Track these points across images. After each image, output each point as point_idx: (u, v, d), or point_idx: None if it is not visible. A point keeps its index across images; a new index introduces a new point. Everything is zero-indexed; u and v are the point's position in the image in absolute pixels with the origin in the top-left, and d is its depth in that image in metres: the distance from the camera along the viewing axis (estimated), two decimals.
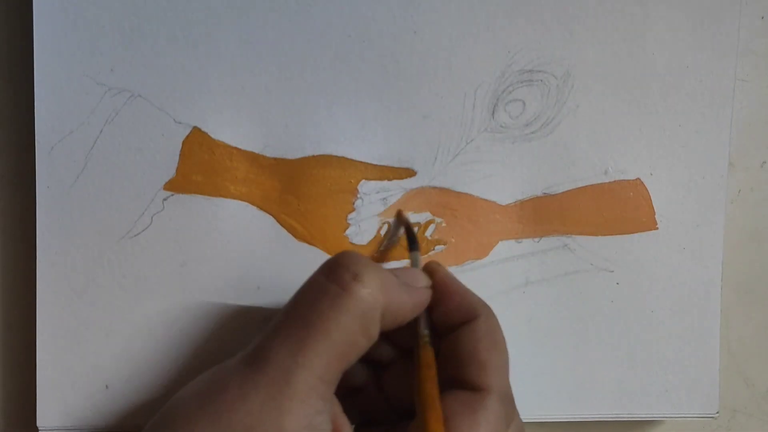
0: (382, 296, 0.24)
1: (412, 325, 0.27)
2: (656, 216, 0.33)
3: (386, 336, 0.28)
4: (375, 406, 0.29)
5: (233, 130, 0.31)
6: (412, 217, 0.32)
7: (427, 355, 0.26)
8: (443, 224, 0.32)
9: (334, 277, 0.24)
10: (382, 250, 0.32)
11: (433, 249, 0.32)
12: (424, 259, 0.32)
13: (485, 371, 0.25)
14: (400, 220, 0.32)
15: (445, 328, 0.27)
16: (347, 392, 0.28)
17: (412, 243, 0.30)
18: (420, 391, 0.24)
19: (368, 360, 0.29)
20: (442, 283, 0.27)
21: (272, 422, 0.22)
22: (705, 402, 0.34)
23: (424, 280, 0.27)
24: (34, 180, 0.30)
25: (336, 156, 0.32)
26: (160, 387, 0.31)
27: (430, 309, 0.27)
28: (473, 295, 0.27)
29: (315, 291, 0.24)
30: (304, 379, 0.22)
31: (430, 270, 0.28)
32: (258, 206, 0.31)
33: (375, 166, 0.32)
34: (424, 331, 0.26)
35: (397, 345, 0.29)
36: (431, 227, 0.32)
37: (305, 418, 0.22)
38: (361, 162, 0.32)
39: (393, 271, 0.26)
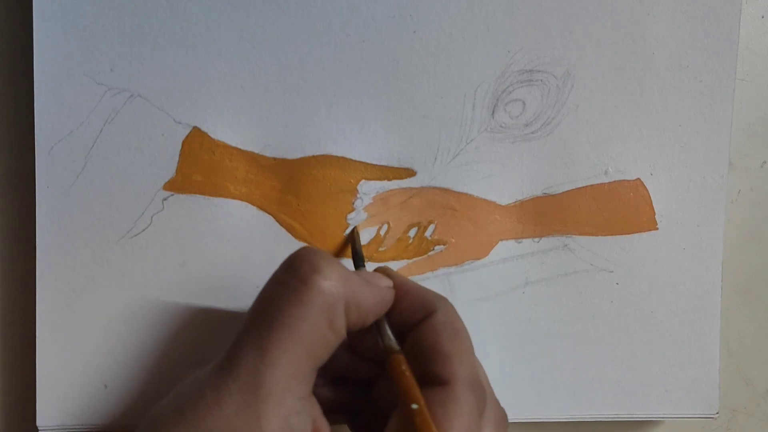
0: (344, 287, 0.24)
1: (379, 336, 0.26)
2: (656, 216, 0.33)
3: (367, 353, 0.28)
4: (371, 425, 0.29)
5: (233, 130, 0.31)
6: (412, 217, 0.32)
7: (402, 361, 0.25)
8: (442, 224, 0.32)
9: (293, 271, 0.24)
10: (382, 251, 0.32)
11: (433, 249, 0.32)
12: (424, 258, 0.32)
13: (449, 362, 0.25)
14: (351, 236, 0.31)
15: (405, 327, 0.26)
16: (340, 411, 0.28)
17: (359, 260, 0.30)
18: (406, 398, 0.24)
19: (356, 379, 0.29)
20: (398, 284, 0.27)
21: (249, 426, 0.22)
22: (705, 402, 0.34)
23: (384, 281, 0.27)
24: (34, 180, 0.30)
25: (336, 156, 0.32)
26: (158, 386, 0.31)
27: (389, 313, 0.27)
28: (428, 290, 0.27)
29: (276, 287, 0.24)
30: (275, 379, 0.22)
31: (383, 273, 0.28)
32: (258, 206, 0.31)
33: (375, 166, 0.32)
34: (390, 341, 0.26)
35: (378, 361, 0.28)
36: (431, 227, 0.32)
37: (282, 420, 0.22)
38: (360, 162, 0.32)
39: (355, 271, 0.26)
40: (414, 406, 0.23)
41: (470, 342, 0.26)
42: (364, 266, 0.30)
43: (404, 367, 0.25)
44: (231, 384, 0.22)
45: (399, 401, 0.24)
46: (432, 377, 0.25)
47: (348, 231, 0.32)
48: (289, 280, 0.24)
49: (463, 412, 0.24)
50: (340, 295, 0.24)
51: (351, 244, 0.31)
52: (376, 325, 0.26)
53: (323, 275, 0.23)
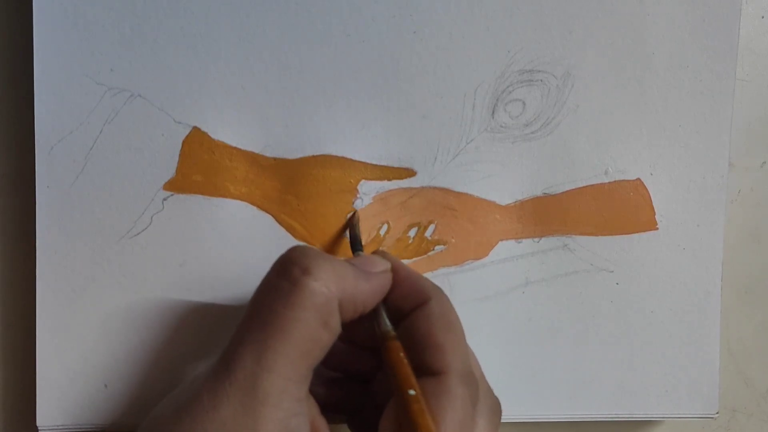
0: (336, 287, 0.24)
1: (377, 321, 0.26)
2: (656, 216, 0.33)
3: (363, 340, 0.28)
4: (371, 422, 0.29)
5: (233, 130, 0.31)
6: (412, 217, 0.32)
7: (399, 348, 0.25)
8: (442, 224, 0.32)
9: (284, 273, 0.24)
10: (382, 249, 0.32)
11: (433, 249, 0.32)
12: (424, 259, 0.32)
13: (443, 354, 0.24)
14: (351, 220, 0.31)
15: (398, 314, 0.26)
16: (339, 410, 0.28)
17: (356, 244, 0.30)
18: (402, 385, 0.24)
19: (354, 374, 0.29)
20: (394, 268, 0.27)
21: (247, 429, 0.22)
22: (705, 402, 0.34)
23: (382, 265, 0.26)
24: (34, 180, 0.30)
25: (336, 156, 0.32)
26: (158, 386, 0.31)
27: (385, 298, 0.26)
28: (423, 278, 0.27)
29: (268, 291, 0.24)
30: (272, 382, 0.22)
31: (381, 255, 0.27)
32: (258, 206, 0.31)
33: (375, 166, 0.32)
34: (387, 327, 0.26)
35: (374, 349, 0.28)
36: (431, 227, 0.32)
37: (280, 422, 0.22)
38: (360, 162, 0.32)
39: (350, 260, 0.26)
40: (411, 392, 0.23)
41: (463, 333, 0.26)
42: (362, 251, 0.30)
43: (401, 354, 0.24)
44: (228, 387, 0.22)
45: (393, 388, 0.24)
46: (424, 368, 0.25)
47: (349, 215, 0.32)
48: (280, 283, 0.24)
49: (456, 405, 0.24)
50: (332, 294, 0.24)
51: (350, 229, 0.31)
52: (374, 311, 0.26)
53: (313, 276, 0.23)
